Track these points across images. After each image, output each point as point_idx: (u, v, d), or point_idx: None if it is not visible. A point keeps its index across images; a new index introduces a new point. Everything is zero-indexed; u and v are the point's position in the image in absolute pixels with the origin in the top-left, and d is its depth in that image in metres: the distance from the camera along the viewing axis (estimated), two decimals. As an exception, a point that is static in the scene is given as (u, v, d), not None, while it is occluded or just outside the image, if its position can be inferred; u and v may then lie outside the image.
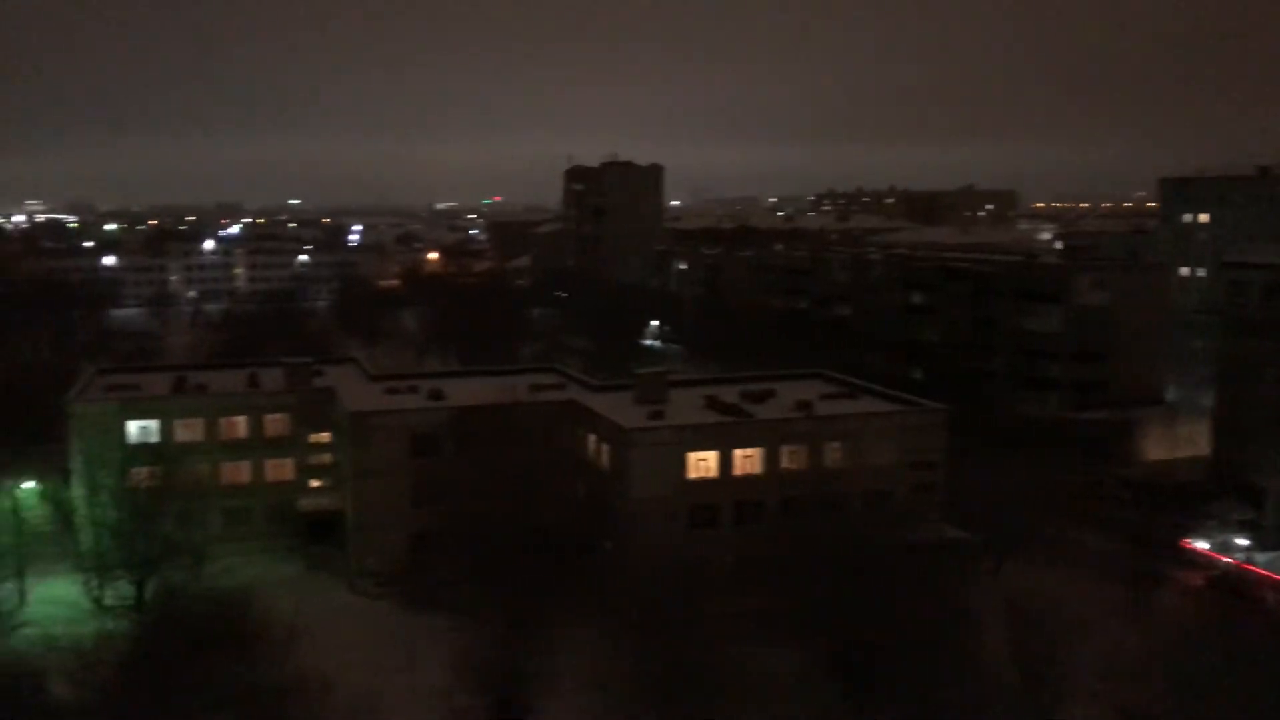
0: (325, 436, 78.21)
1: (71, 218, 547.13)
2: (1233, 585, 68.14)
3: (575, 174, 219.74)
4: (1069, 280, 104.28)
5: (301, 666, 45.15)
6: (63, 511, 69.46)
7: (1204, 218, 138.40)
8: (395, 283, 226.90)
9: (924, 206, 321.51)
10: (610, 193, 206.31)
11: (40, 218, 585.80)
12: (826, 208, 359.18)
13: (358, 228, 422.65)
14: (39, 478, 71.61)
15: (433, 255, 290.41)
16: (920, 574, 53.78)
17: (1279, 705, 41.31)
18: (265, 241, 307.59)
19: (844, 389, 79.30)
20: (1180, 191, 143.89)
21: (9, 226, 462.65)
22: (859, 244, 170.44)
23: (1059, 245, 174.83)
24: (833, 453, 68.35)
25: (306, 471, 78.36)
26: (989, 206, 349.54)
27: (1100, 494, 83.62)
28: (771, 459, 67.09)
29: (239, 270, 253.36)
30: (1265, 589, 67.55)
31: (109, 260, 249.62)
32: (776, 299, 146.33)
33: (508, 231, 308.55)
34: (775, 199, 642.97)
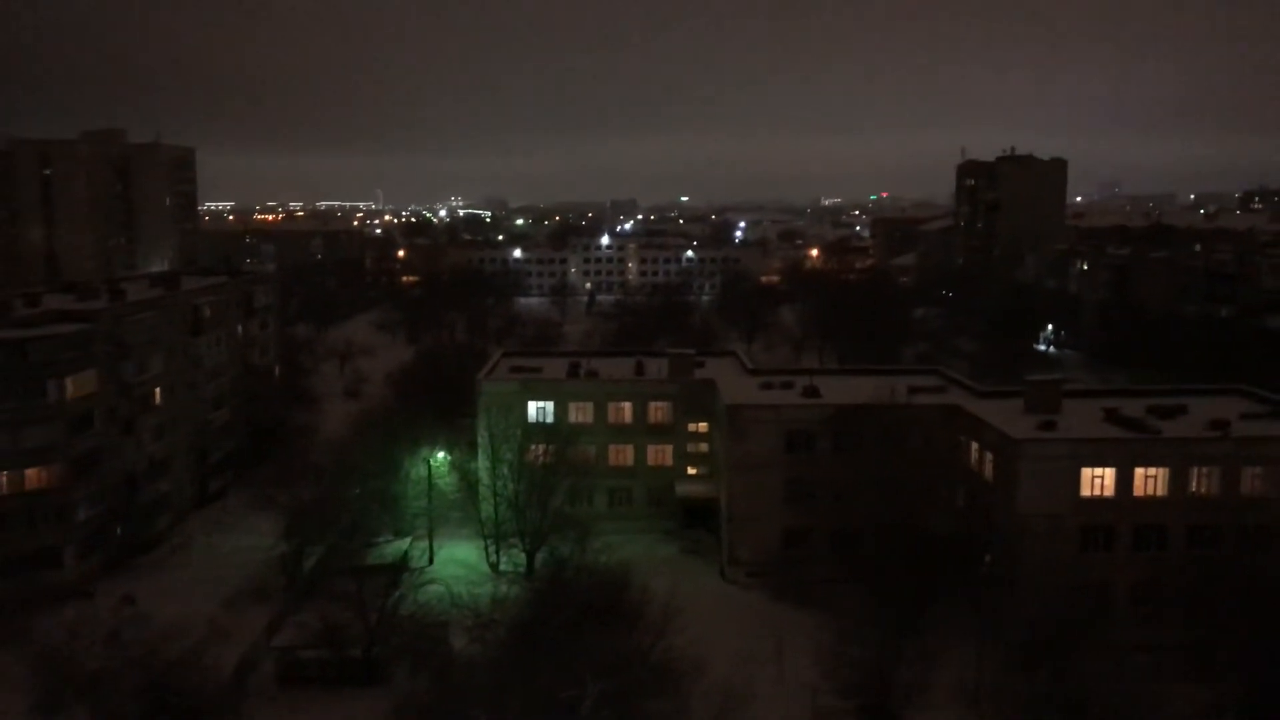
0: (703, 426, 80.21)
1: (487, 212, 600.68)
2: None
3: (968, 168, 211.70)
4: None
5: (675, 645, 46.32)
6: (468, 481, 75.79)
7: None
8: (776, 278, 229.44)
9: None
10: (1006, 188, 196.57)
11: (461, 212, 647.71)
12: (1257, 206, 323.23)
13: (742, 224, 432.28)
14: (449, 448, 78.49)
15: (814, 252, 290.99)
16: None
17: None
18: (655, 237, 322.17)
19: (1269, 408, 70.60)
20: None
21: (435, 220, 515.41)
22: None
23: None
24: (1252, 479, 60.92)
25: (685, 458, 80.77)
26: None
27: None
28: (1179, 481, 60.81)
29: (631, 264, 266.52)
30: None
31: (517, 253, 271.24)
32: (1193, 306, 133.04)
33: (893, 228, 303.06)
34: (1194, 196, 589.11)
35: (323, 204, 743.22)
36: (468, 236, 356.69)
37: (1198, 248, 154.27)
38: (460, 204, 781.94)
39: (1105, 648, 45.60)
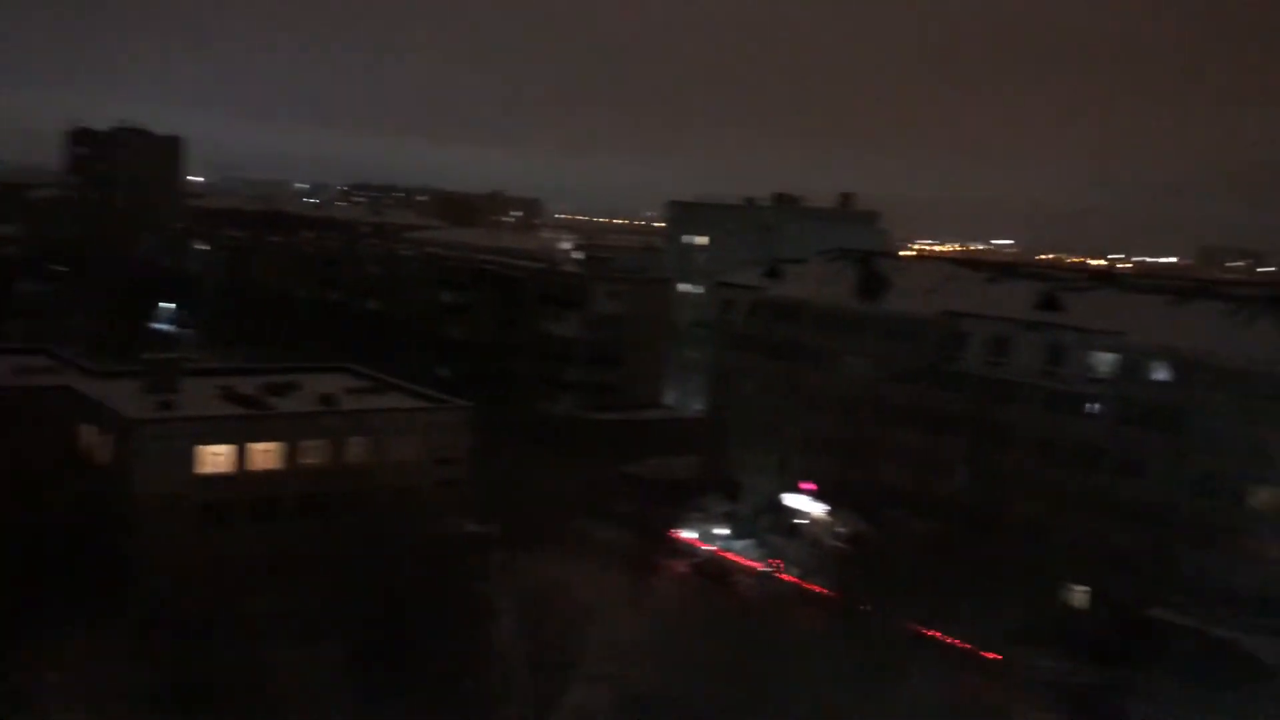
0: None
1: None
2: (712, 570, 76.92)
3: (81, 137, 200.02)
4: (587, 289, 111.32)
5: None
6: None
7: (703, 240, 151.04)
8: None
9: (456, 207, 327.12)
10: (121, 162, 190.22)
11: None
12: (359, 199, 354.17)
13: None
14: None
15: None
16: (441, 567, 55.19)
17: (752, 672, 47.29)
18: None
19: (371, 384, 78.76)
20: (683, 214, 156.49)
21: None
22: (394, 239, 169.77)
23: (578, 255, 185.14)
24: (356, 448, 67.65)
25: None
26: (516, 213, 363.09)
27: (609, 490, 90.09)
28: (291, 454, 65.18)
29: None
30: (738, 573, 76.88)
31: None
32: (307, 289, 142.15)
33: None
34: (306, 185, 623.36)
35: None
36: None
37: (310, 234, 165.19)
38: None
39: (228, 621, 47.41)
